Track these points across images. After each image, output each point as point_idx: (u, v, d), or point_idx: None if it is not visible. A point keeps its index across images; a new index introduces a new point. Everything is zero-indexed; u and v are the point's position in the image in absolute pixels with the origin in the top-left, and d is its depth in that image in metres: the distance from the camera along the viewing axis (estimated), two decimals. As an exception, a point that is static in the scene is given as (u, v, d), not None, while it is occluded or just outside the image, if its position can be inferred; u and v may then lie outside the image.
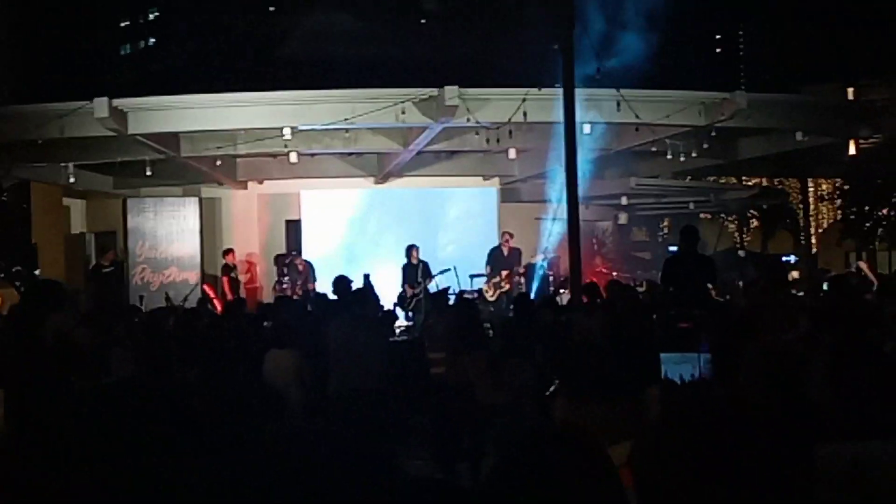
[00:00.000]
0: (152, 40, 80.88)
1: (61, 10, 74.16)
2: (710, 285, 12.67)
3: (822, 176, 31.25)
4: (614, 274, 21.47)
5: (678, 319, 10.96)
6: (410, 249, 19.92)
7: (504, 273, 19.95)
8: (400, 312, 18.71)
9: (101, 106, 15.65)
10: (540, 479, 2.14)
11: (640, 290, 19.55)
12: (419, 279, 19.41)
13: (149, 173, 19.99)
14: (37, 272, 19.67)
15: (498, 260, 20.25)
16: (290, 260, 21.15)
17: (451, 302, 16.06)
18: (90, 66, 63.88)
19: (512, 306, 13.93)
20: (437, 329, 13.45)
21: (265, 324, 12.53)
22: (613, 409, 3.82)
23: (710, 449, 2.02)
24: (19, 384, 6.59)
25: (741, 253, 22.78)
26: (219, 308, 18.66)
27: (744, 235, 37.34)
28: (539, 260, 20.05)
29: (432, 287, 19.07)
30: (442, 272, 19.50)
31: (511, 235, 20.60)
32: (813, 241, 34.76)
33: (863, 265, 17.67)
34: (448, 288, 18.29)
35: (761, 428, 2.06)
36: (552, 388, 5.20)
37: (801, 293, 17.54)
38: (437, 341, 12.24)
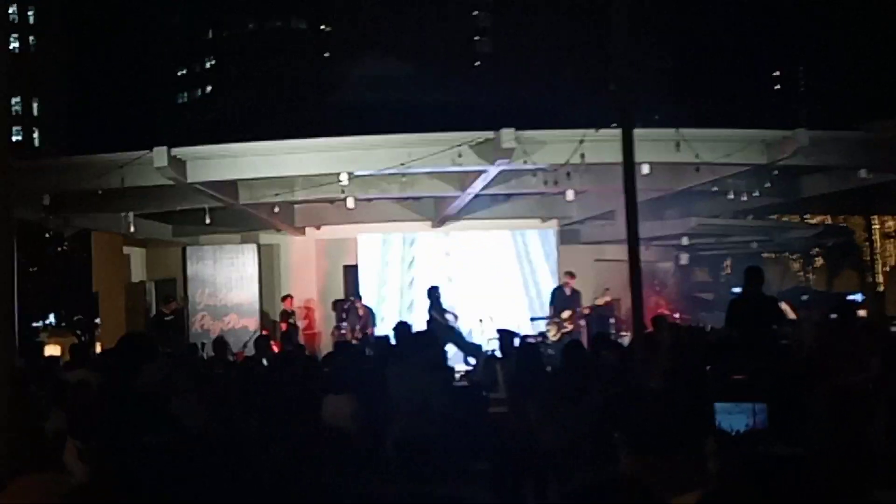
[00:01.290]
0: (209, 88, 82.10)
1: (120, 61, 75.58)
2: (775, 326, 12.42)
3: (888, 213, 30.73)
4: (676, 315, 21.19)
5: (732, 371, 10.69)
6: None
7: (567, 314, 19.78)
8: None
9: (160, 155, 15.75)
10: None
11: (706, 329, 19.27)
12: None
13: (208, 221, 20.12)
14: (97, 321, 19.84)
15: (561, 300, 20.12)
16: (350, 304, 21.11)
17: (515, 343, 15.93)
18: (149, 116, 64.94)
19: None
20: (500, 371, 13.28)
21: (325, 370, 12.43)
22: (674, 461, 3.76)
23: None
24: (106, 436, 6.55)
25: (804, 297, 22.38)
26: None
27: (808, 274, 36.79)
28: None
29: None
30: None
31: (572, 276, 20.44)
32: (879, 279, 34.10)
33: None
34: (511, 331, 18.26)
35: (819, 485, 2.10)
36: (614, 439, 5.08)
37: (870, 333, 17.15)
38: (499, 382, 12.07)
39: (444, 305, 19.96)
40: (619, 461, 4.37)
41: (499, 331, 17.90)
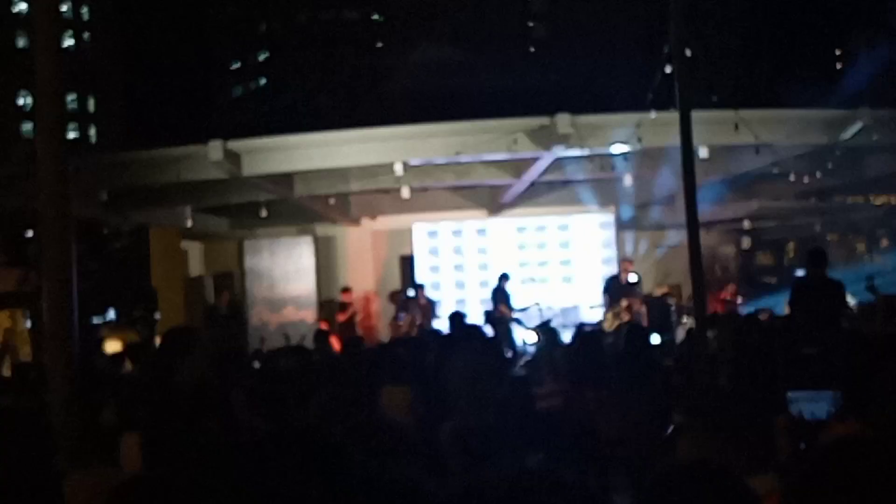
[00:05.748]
0: (263, 81, 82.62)
1: (174, 56, 76.31)
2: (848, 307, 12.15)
3: (954, 191, 30.04)
4: (739, 300, 20.86)
5: (802, 345, 10.45)
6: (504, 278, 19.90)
7: (624, 303, 19.45)
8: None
9: (215, 148, 15.81)
10: None
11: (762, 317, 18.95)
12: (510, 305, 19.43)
13: (264, 214, 20.17)
14: (157, 316, 19.96)
15: (616, 289, 19.76)
16: (412, 295, 21.04)
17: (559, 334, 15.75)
18: (204, 109, 65.49)
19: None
20: (545, 362, 13.13)
21: (382, 361, 12.37)
22: (737, 443, 3.66)
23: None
24: (156, 429, 6.61)
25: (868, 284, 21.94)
26: (336, 346, 18.61)
27: (874, 256, 36.13)
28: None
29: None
30: (523, 309, 19.58)
31: (630, 263, 20.12)
32: (947, 259, 33.34)
33: None
34: (550, 320, 18.08)
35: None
36: (672, 428, 4.98)
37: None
38: (546, 374, 11.90)
39: (510, 294, 19.83)
40: (677, 445, 4.31)
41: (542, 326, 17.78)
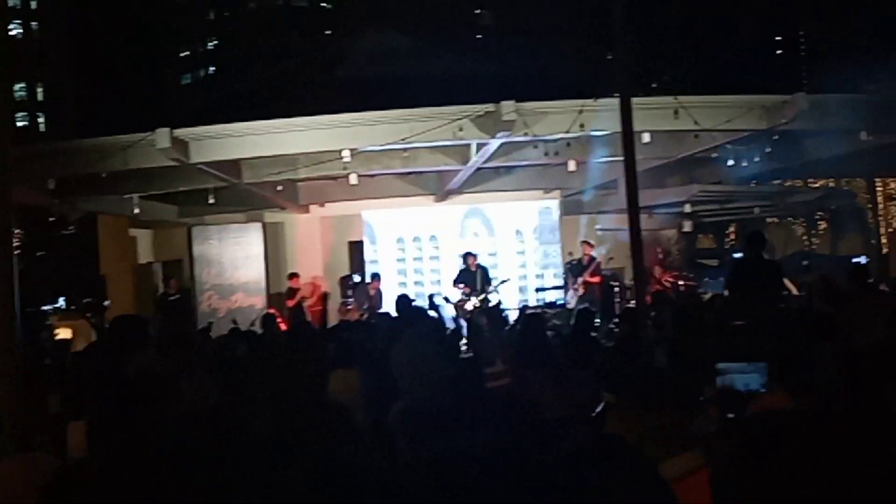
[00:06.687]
0: (212, 69, 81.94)
1: (122, 44, 75.40)
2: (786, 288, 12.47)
3: (890, 175, 30.61)
4: (680, 283, 21.23)
5: (731, 318, 10.73)
6: (467, 257, 19.96)
7: (581, 281, 19.90)
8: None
9: (162, 136, 15.82)
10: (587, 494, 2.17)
11: (706, 297, 19.33)
12: (479, 286, 19.46)
13: (212, 201, 20.20)
14: (106, 303, 19.94)
15: (578, 269, 20.26)
16: (361, 283, 21.16)
17: (505, 316, 15.96)
18: (154, 98, 64.89)
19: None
20: (493, 343, 13.40)
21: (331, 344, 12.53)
22: (666, 419, 3.78)
23: (794, 469, 1.99)
24: (102, 418, 6.71)
25: (805, 262, 22.42)
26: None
27: (812, 238, 36.72)
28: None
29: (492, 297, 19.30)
30: (502, 282, 19.72)
31: (590, 245, 20.54)
32: (883, 241, 33.97)
33: None
34: (500, 303, 18.31)
35: (844, 441, 2.02)
36: (601, 406, 5.17)
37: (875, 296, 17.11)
38: (493, 355, 12.18)
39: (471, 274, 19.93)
40: (606, 423, 4.44)
41: (488, 308, 17.94)
